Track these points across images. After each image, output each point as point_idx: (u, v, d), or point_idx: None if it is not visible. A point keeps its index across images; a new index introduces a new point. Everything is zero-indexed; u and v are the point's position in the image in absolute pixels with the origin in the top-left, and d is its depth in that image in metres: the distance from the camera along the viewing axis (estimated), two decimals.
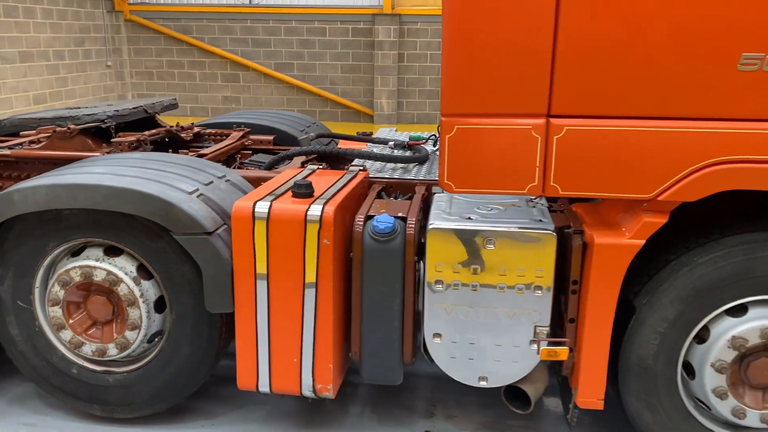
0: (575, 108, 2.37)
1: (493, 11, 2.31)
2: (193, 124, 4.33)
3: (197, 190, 2.78)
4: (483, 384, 2.74)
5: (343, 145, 4.22)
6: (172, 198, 2.62)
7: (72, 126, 3.38)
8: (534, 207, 2.81)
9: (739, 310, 2.57)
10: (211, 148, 3.77)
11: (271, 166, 3.58)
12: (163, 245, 2.73)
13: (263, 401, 3.26)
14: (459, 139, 2.44)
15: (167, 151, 3.60)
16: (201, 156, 3.50)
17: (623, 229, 2.50)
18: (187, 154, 3.49)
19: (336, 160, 3.79)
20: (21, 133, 3.86)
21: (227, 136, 4.17)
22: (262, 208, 2.61)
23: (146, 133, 3.62)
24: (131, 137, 3.50)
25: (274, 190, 2.81)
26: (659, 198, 2.40)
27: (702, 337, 2.61)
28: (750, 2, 2.19)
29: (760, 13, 2.20)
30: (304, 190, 2.71)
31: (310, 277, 2.64)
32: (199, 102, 14.36)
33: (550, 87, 2.35)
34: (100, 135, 3.58)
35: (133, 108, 3.78)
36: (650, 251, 2.63)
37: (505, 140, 2.42)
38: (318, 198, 2.69)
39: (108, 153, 3.37)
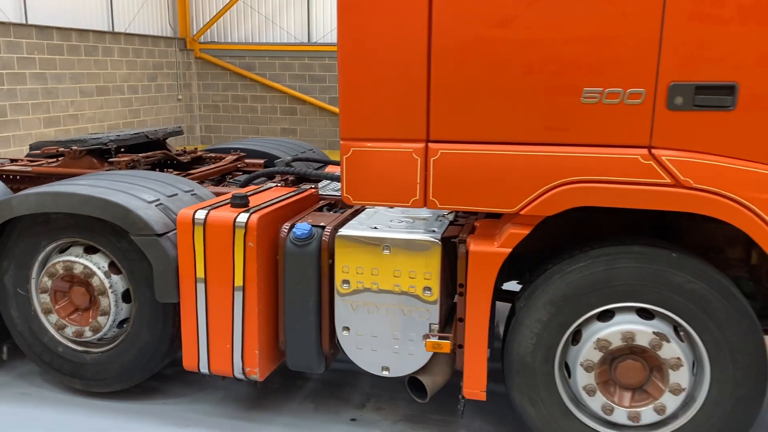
0: (449, 134, 2.78)
1: (378, 53, 2.77)
2: (196, 148, 4.96)
3: (158, 200, 3.34)
4: (385, 373, 3.13)
5: (331, 169, 4.72)
6: (130, 205, 3.20)
7: (74, 148, 4.06)
8: (440, 219, 3.22)
9: (609, 316, 2.87)
10: (200, 169, 4.36)
11: (245, 184, 4.12)
12: (127, 245, 3.29)
13: (222, 386, 3.76)
14: (354, 159, 2.89)
15: (162, 171, 4.22)
16: (188, 175, 4.09)
17: (495, 240, 2.87)
18: (173, 173, 4.08)
19: (308, 181, 4.29)
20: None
21: (222, 159, 4.76)
22: (200, 215, 3.14)
23: (142, 155, 4.25)
24: (126, 158, 4.14)
25: (220, 201, 3.34)
26: (521, 212, 2.76)
27: (577, 339, 2.92)
28: (588, 44, 2.57)
29: (597, 53, 2.56)
30: (239, 201, 3.22)
31: (239, 275, 3.13)
32: (260, 133, 15.33)
33: (427, 117, 2.78)
34: (106, 156, 4.24)
35: (134, 134, 4.44)
36: (538, 262, 3.00)
37: (391, 161, 2.85)
38: (250, 208, 3.19)
39: (106, 171, 4.02)
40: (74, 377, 3.60)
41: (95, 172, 3.88)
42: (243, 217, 3.08)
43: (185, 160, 4.61)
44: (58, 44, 11.63)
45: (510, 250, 2.81)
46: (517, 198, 2.76)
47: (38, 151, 4.57)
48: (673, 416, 2.88)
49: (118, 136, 4.30)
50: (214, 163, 4.71)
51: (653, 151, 2.60)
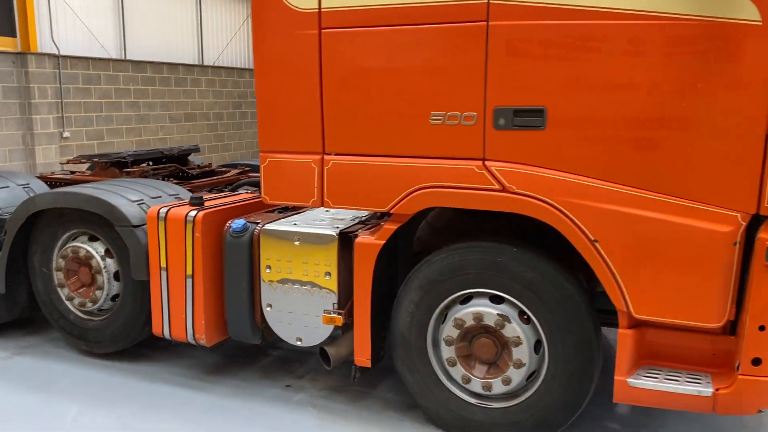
0: (338, 149, 3.50)
1: (284, 85, 3.55)
2: (210, 164, 5.90)
3: (141, 200, 4.25)
4: (299, 343, 3.83)
5: None
6: (116, 202, 4.12)
7: (96, 160, 5.10)
8: (354, 219, 3.89)
9: (468, 300, 3.44)
10: (202, 180, 5.28)
11: (233, 191, 4.97)
12: (116, 235, 4.21)
13: (197, 356, 4.58)
14: (269, 167, 3.67)
15: (172, 181, 5.14)
16: (188, 185, 4.99)
17: (374, 234, 3.53)
18: (173, 182, 4.99)
19: None
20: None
21: (228, 172, 5.66)
22: (163, 211, 4.00)
23: (152, 167, 5.23)
24: (138, 169, 5.13)
25: (185, 202, 4.19)
26: (392, 211, 3.42)
27: (443, 319, 3.51)
28: (432, 77, 3.22)
29: (439, 84, 3.21)
30: (196, 202, 4.06)
31: (189, 260, 3.95)
32: None
33: (323, 135, 3.52)
34: (126, 167, 5.26)
35: (150, 150, 5.44)
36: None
37: (296, 169, 3.60)
38: (203, 207, 4.02)
39: (120, 179, 5.00)
40: (80, 339, 4.55)
41: (110, 179, 4.87)
42: (192, 214, 3.92)
43: (195, 173, 5.55)
44: (151, 76, 13.22)
45: (383, 241, 3.46)
46: (387, 200, 3.42)
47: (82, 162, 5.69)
48: (524, 389, 3.39)
49: (137, 152, 5.31)
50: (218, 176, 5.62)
51: (486, 162, 3.19)
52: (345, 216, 3.99)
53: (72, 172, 5.64)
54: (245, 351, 4.65)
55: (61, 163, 5.73)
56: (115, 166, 5.24)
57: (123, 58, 12.67)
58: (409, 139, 3.34)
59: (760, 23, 2.70)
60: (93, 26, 12.02)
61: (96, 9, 12.16)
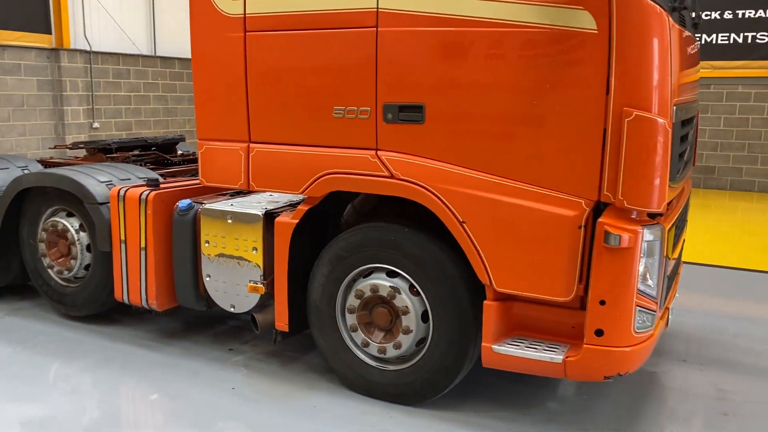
0: (261, 138, 3.98)
1: (217, 82, 4.05)
2: (194, 152, 6.47)
3: (110, 181, 4.81)
4: (233, 310, 4.33)
5: None
6: (85, 182, 4.70)
7: (81, 146, 5.71)
8: (289, 203, 4.35)
9: (370, 273, 3.87)
10: (180, 166, 5.84)
11: None
12: (86, 211, 4.79)
13: (161, 322, 5.13)
14: (206, 153, 4.18)
15: (145, 165, 5.70)
16: (164, 170, 5.55)
17: (291, 214, 3.99)
18: (149, 167, 5.55)
19: None
20: None
21: None
22: (122, 191, 4.56)
23: (134, 153, 5.82)
24: (120, 155, 5.72)
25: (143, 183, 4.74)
26: (304, 194, 3.89)
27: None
28: (333, 77, 3.67)
29: (340, 82, 3.65)
30: (152, 183, 4.61)
31: (143, 235, 4.50)
32: None
33: (248, 126, 4.01)
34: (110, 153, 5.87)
35: (135, 139, 6.03)
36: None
37: (227, 155, 4.10)
38: (158, 189, 4.56)
39: (102, 163, 5.60)
40: (60, 304, 5.16)
41: (93, 163, 5.47)
42: (145, 194, 4.46)
43: (176, 160, 6.12)
44: (179, 72, 13.96)
45: (297, 221, 3.92)
46: (300, 184, 3.88)
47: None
48: (414, 354, 3.80)
49: (122, 140, 5.91)
50: None
51: (378, 152, 3.62)
52: (280, 200, 4.46)
53: (75, 157, 6.27)
54: (205, 320, 5.19)
55: (50, 148, 6.40)
56: (102, 152, 5.85)
57: (153, 54, 13.45)
58: (316, 131, 3.80)
59: (596, 31, 3.06)
60: (124, 24, 12.82)
61: (128, 7, 12.96)
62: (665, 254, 3.40)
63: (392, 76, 3.53)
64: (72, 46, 11.66)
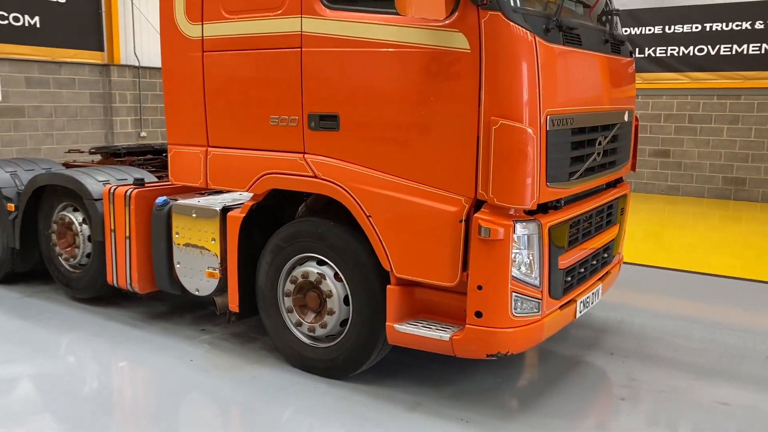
0: (216, 143, 4.62)
1: (182, 93, 4.71)
2: None
3: (108, 181, 5.55)
4: (197, 293, 4.96)
5: None
6: (85, 182, 5.45)
7: (93, 151, 6.51)
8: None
9: (305, 261, 4.41)
10: None
11: None
12: (87, 206, 5.55)
13: (153, 306, 5.83)
14: (174, 156, 4.85)
15: (146, 168, 6.44)
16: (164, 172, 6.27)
17: (240, 209, 4.58)
18: (148, 169, 6.28)
19: None
20: None
21: None
22: (112, 189, 5.28)
23: (141, 158, 6.58)
24: (127, 159, 6.49)
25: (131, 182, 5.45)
26: (249, 191, 4.49)
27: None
28: (270, 90, 4.26)
29: (274, 94, 4.24)
30: (137, 183, 5.31)
31: (128, 227, 5.20)
32: None
33: (206, 133, 4.65)
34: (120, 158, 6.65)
35: (143, 144, 6.79)
36: None
37: (190, 158, 4.75)
38: (142, 187, 5.25)
39: (110, 166, 6.37)
40: (68, 287, 5.94)
41: (102, 166, 6.26)
42: (130, 191, 5.17)
43: None
44: None
45: (243, 214, 4.51)
46: (246, 182, 4.48)
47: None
48: (339, 333, 4.32)
49: (131, 146, 6.69)
50: None
51: (305, 155, 4.18)
52: (242, 198, 5.07)
53: (93, 161, 7.12)
54: (188, 306, 5.85)
55: (65, 153, 7.27)
56: (113, 156, 6.64)
57: None
58: (257, 136, 4.39)
59: (469, 51, 3.53)
60: None
61: None
62: (547, 246, 3.78)
63: (314, 89, 4.08)
64: (122, 62, 12.75)
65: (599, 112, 4.35)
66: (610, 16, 4.71)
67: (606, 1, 4.91)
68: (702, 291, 6.84)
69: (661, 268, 7.58)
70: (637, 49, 13.63)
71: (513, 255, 3.64)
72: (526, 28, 3.50)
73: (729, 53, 12.78)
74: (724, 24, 12.76)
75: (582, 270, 4.39)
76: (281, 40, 4.16)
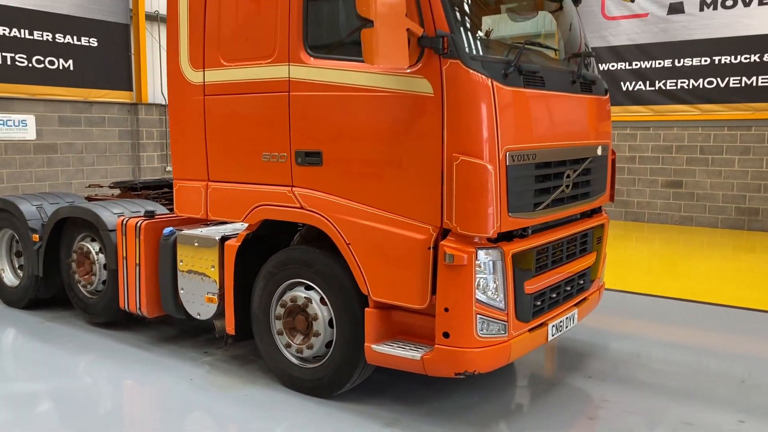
0: (216, 177, 5.04)
1: (186, 132, 5.16)
2: None
3: (122, 213, 6.01)
4: (199, 317, 5.34)
5: None
6: (101, 214, 5.92)
7: (111, 186, 7.00)
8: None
9: (295, 286, 4.76)
10: None
11: None
12: (102, 236, 6.01)
13: (163, 329, 6.23)
14: (179, 190, 5.29)
15: (159, 201, 6.90)
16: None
17: (236, 238, 4.98)
18: (162, 202, 6.74)
19: None
20: None
21: None
22: (125, 221, 5.73)
23: (156, 191, 7.06)
24: (144, 193, 6.97)
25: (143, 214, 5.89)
26: (244, 221, 4.88)
27: None
28: (261, 131, 4.67)
29: (267, 135, 4.65)
30: (148, 214, 5.76)
31: (138, 255, 5.63)
32: None
33: (207, 168, 5.08)
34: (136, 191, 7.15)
35: (158, 179, 7.27)
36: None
37: (193, 192, 5.18)
38: (153, 219, 5.69)
39: (126, 199, 6.84)
40: (85, 312, 6.38)
41: (119, 199, 6.74)
42: (140, 222, 5.61)
43: None
44: None
45: (239, 243, 4.90)
46: (242, 213, 4.88)
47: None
48: (324, 354, 4.64)
49: (146, 180, 7.18)
50: None
51: (293, 188, 4.57)
52: (242, 229, 5.46)
53: (112, 195, 7.64)
54: (195, 330, 6.24)
55: (86, 187, 7.81)
56: (131, 190, 7.14)
57: None
58: (251, 171, 4.80)
59: (433, 95, 3.90)
60: None
61: None
62: (511, 272, 4.07)
63: (300, 129, 4.49)
64: (149, 101, 13.44)
65: (566, 148, 4.65)
66: (580, 58, 5.04)
67: (581, 44, 5.26)
68: (707, 320, 6.98)
69: (673, 299, 7.71)
70: (647, 82, 13.90)
71: (477, 280, 3.94)
72: (483, 74, 3.86)
73: (738, 85, 12.96)
74: (733, 57, 12.95)
75: (554, 295, 4.66)
76: (272, 85, 4.58)
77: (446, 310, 3.97)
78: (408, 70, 3.96)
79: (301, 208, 4.52)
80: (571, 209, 4.81)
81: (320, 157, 4.41)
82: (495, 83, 3.91)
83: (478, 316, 3.97)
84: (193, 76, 5.05)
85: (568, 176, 4.64)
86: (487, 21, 4.80)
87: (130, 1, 13.12)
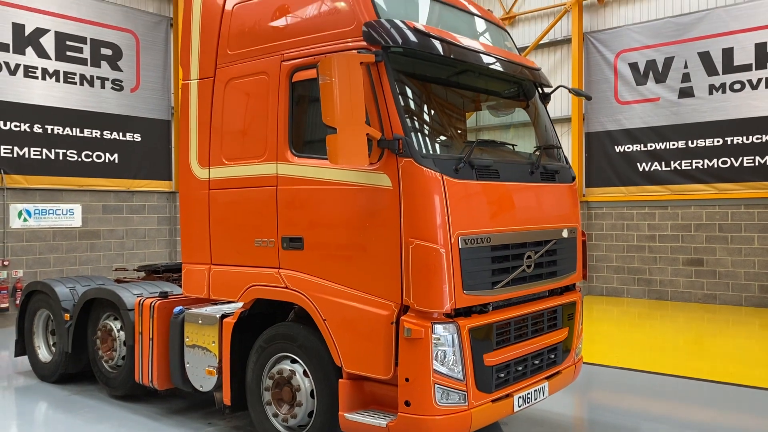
0: (217, 261, 5.66)
1: (193, 221, 5.83)
2: None
3: (141, 294, 6.67)
4: (201, 388, 5.84)
5: None
6: (122, 294, 6.59)
7: (136, 269, 7.70)
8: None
9: (282, 360, 5.25)
10: None
11: None
12: (122, 315, 6.65)
13: (175, 402, 6.74)
14: (187, 272, 5.92)
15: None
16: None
17: (232, 316, 5.52)
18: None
19: None
20: None
21: None
22: (142, 300, 6.37)
23: (178, 274, 7.72)
24: (165, 275, 7.64)
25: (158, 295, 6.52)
26: (239, 300, 5.45)
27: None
28: (254, 220, 5.30)
29: (258, 223, 5.28)
30: (163, 295, 6.39)
31: (152, 331, 6.23)
32: None
33: (210, 252, 5.71)
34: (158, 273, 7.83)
35: (179, 262, 7.95)
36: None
37: (198, 274, 5.80)
38: (165, 299, 6.31)
39: (148, 281, 7.51)
40: (107, 385, 6.96)
41: (142, 281, 7.42)
42: (154, 302, 6.24)
43: None
44: None
45: (234, 320, 5.45)
46: (238, 293, 5.46)
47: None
48: (307, 423, 5.06)
49: (169, 264, 7.88)
50: None
51: (280, 270, 5.14)
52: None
53: (138, 277, 8.36)
54: (204, 402, 6.72)
55: (114, 271, 8.54)
56: (154, 272, 7.83)
57: None
58: (246, 255, 5.40)
59: (391, 188, 4.47)
60: None
61: None
62: (468, 345, 4.48)
63: (286, 217, 5.10)
64: None
65: (524, 231, 5.11)
66: (541, 150, 5.56)
67: (546, 137, 5.81)
68: (741, 403, 7.09)
69: (703, 381, 7.79)
70: (663, 162, 14.24)
71: (435, 352, 4.37)
72: (434, 170, 4.42)
73: (752, 165, 13.21)
74: (744, 137, 13.27)
75: (520, 368, 5.01)
76: (263, 180, 5.24)
77: (407, 380, 4.38)
78: (371, 168, 4.55)
79: (286, 287, 5.07)
80: (535, 287, 5.21)
81: (302, 242, 4.99)
82: (445, 177, 4.45)
83: (437, 385, 4.37)
84: (201, 172, 5.76)
85: (529, 257, 5.08)
86: (447, 120, 5.40)
87: (172, 99, 14.35)
